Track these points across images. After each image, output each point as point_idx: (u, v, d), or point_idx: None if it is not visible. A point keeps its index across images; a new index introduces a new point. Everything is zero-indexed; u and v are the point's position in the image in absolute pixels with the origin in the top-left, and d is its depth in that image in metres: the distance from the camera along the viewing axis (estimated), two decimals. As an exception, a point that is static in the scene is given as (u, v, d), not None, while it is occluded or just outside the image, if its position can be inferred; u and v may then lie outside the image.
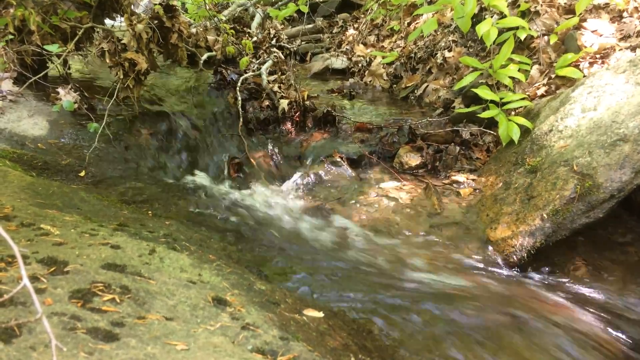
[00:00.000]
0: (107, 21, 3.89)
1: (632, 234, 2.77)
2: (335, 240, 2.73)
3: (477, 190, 3.12)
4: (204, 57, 4.79)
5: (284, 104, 3.97)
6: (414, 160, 3.46)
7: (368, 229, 2.85)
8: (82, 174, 2.79)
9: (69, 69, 3.94)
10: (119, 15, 3.82)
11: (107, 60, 3.27)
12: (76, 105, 3.26)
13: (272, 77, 4.31)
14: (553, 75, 3.54)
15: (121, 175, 2.90)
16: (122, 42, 3.29)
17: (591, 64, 3.44)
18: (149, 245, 1.67)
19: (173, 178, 3.16)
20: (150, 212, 2.39)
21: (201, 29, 4.77)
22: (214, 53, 4.82)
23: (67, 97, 3.31)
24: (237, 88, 4.01)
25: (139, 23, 3.34)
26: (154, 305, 1.31)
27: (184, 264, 1.64)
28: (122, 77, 3.28)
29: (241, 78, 4.15)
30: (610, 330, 2.03)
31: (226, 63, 4.90)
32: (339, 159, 3.47)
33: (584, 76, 3.26)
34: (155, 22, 3.39)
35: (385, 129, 3.77)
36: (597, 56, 3.47)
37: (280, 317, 1.57)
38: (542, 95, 3.48)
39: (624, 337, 2.04)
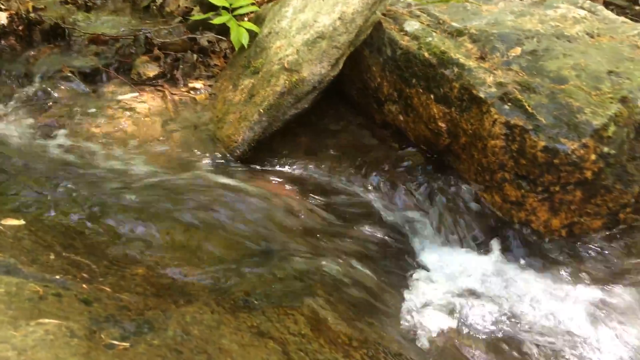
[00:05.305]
0: None
1: (344, 122, 3.21)
2: (66, 155, 2.67)
3: (213, 95, 3.26)
4: None
5: (2, 17, 3.57)
6: (152, 70, 3.45)
7: (102, 142, 2.82)
8: None
9: None
10: None
11: None
12: None
13: (-14, -13, 3.80)
14: (278, -19, 3.75)
15: None
16: None
17: (311, -31, 3.71)
18: None
19: None
20: None
21: None
22: None
23: None
24: (-59, 0, 3.48)
25: None
26: None
27: None
28: None
29: (-56, -12, 3.59)
30: (312, 200, 2.40)
31: None
32: (70, 74, 3.29)
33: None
34: None
35: (121, 40, 3.65)
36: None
37: (-33, 230, 1.54)
38: (269, 1, 3.67)
39: (324, 205, 2.44)
